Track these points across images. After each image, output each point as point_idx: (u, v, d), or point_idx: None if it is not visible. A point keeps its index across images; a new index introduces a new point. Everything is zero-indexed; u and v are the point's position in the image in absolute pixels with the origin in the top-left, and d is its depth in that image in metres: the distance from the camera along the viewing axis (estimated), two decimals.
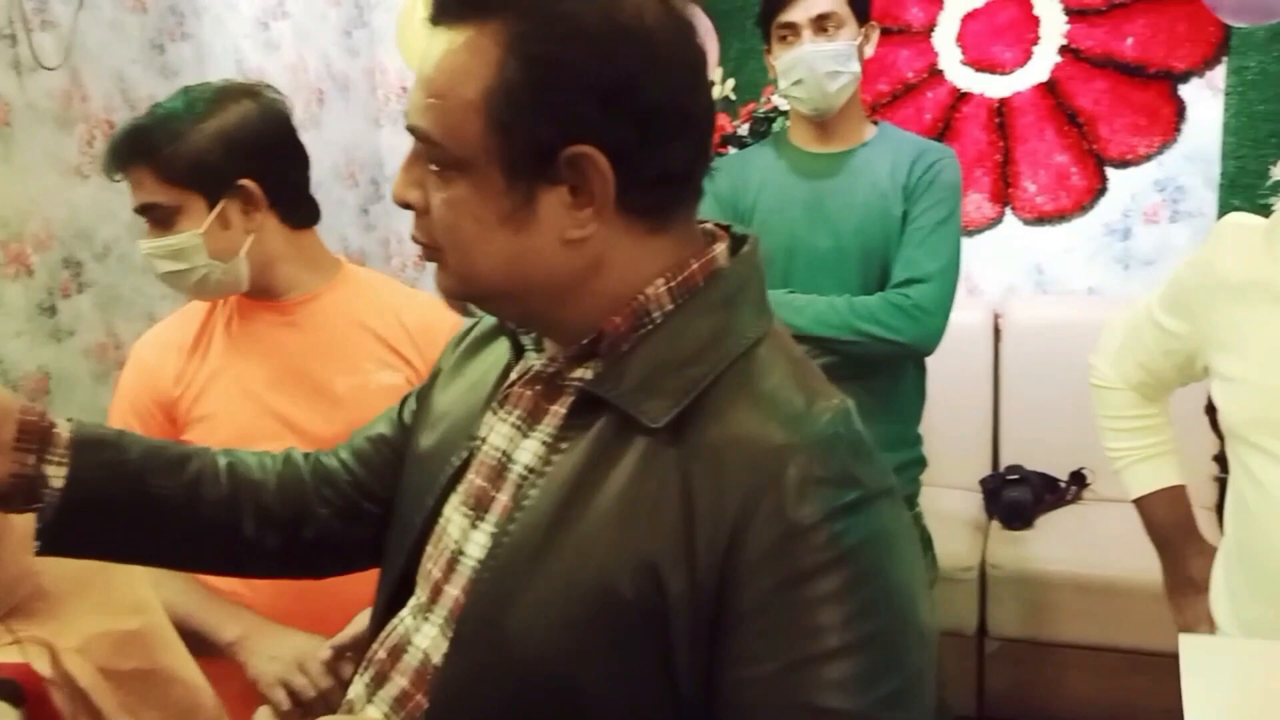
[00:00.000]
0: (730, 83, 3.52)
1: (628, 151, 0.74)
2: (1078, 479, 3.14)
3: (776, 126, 3.24)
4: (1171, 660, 1.70)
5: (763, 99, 3.45)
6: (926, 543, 2.14)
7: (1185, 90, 3.15)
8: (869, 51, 2.03)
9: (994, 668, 2.91)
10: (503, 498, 0.84)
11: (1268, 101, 3.03)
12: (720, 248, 0.84)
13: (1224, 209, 3.10)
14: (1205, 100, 3.12)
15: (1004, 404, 3.24)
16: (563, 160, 0.74)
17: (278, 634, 1.36)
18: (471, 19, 0.75)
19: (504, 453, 0.86)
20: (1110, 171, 3.24)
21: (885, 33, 3.36)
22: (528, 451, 0.84)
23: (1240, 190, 3.08)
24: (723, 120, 3.52)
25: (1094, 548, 2.82)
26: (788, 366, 0.80)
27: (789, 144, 2.10)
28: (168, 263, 1.39)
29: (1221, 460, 2.98)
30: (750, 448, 0.74)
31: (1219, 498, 2.96)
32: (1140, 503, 1.62)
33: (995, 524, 3.05)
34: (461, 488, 0.89)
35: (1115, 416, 1.63)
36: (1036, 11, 3.26)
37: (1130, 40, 3.17)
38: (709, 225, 0.88)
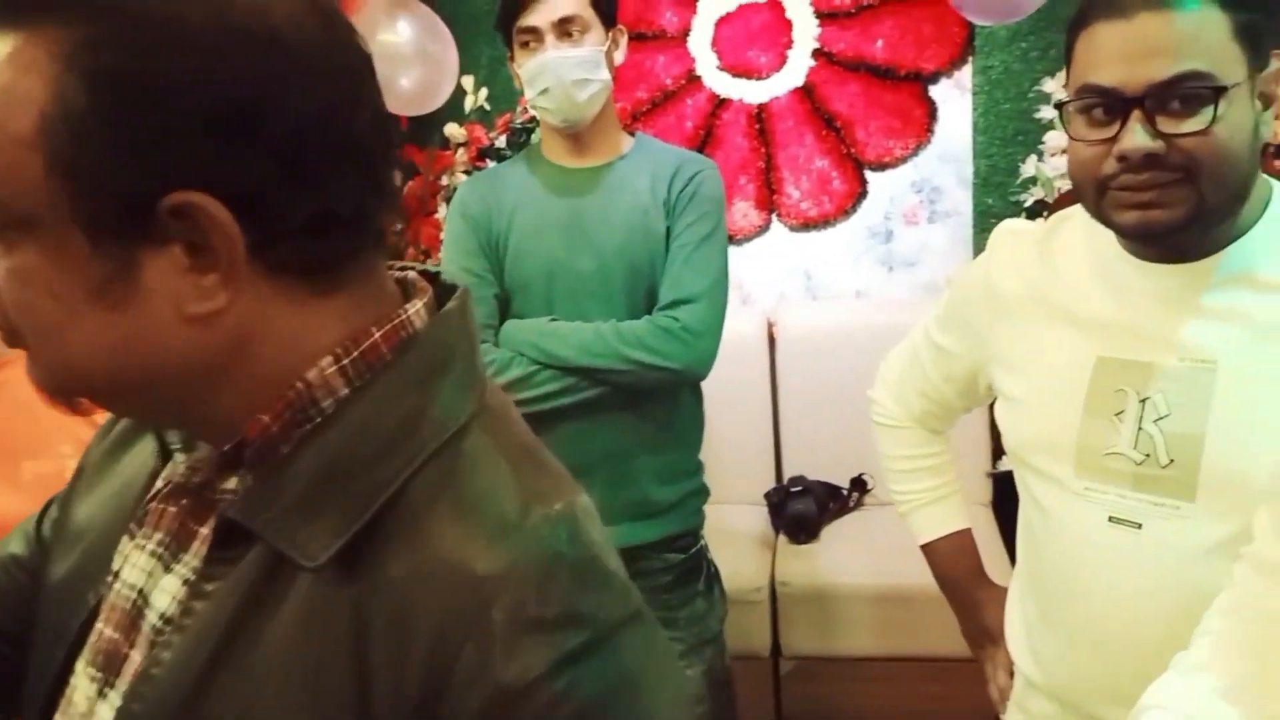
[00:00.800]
0: (484, 92, 3.33)
1: (260, 194, 0.55)
2: (859, 485, 3.12)
3: (536, 137, 3.08)
4: (967, 665, 1.65)
5: (519, 109, 3.28)
6: (713, 579, 2.01)
7: (935, 91, 3.18)
8: (619, 58, 1.89)
9: (790, 688, 2.83)
10: (136, 656, 0.63)
11: (1012, 100, 3.08)
12: (416, 306, 0.65)
13: (978, 208, 3.15)
14: (955, 100, 3.16)
15: (783, 413, 3.19)
16: (164, 212, 0.54)
17: None
18: (13, 22, 0.53)
19: (140, 592, 0.65)
20: (869, 174, 3.24)
21: (640, 38, 3.26)
22: (166, 593, 0.63)
23: (993, 188, 3.13)
24: (478, 132, 3.34)
25: (880, 556, 2.79)
26: (503, 457, 0.62)
27: (542, 159, 1.93)
28: None
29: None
30: (444, 581, 0.56)
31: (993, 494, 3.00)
32: (928, 549, 1.55)
33: (783, 538, 2.98)
34: (91, 639, 0.67)
35: (899, 456, 1.54)
36: (788, 15, 3.23)
37: (880, 42, 3.17)
38: (409, 275, 0.69)
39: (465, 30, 3.10)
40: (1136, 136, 1.04)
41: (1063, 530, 1.22)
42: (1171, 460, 1.11)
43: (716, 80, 3.28)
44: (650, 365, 1.79)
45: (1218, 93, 1.02)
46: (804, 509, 2.98)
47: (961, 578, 1.53)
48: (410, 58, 2.66)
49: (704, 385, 1.96)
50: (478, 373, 0.66)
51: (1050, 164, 3.03)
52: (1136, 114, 1.04)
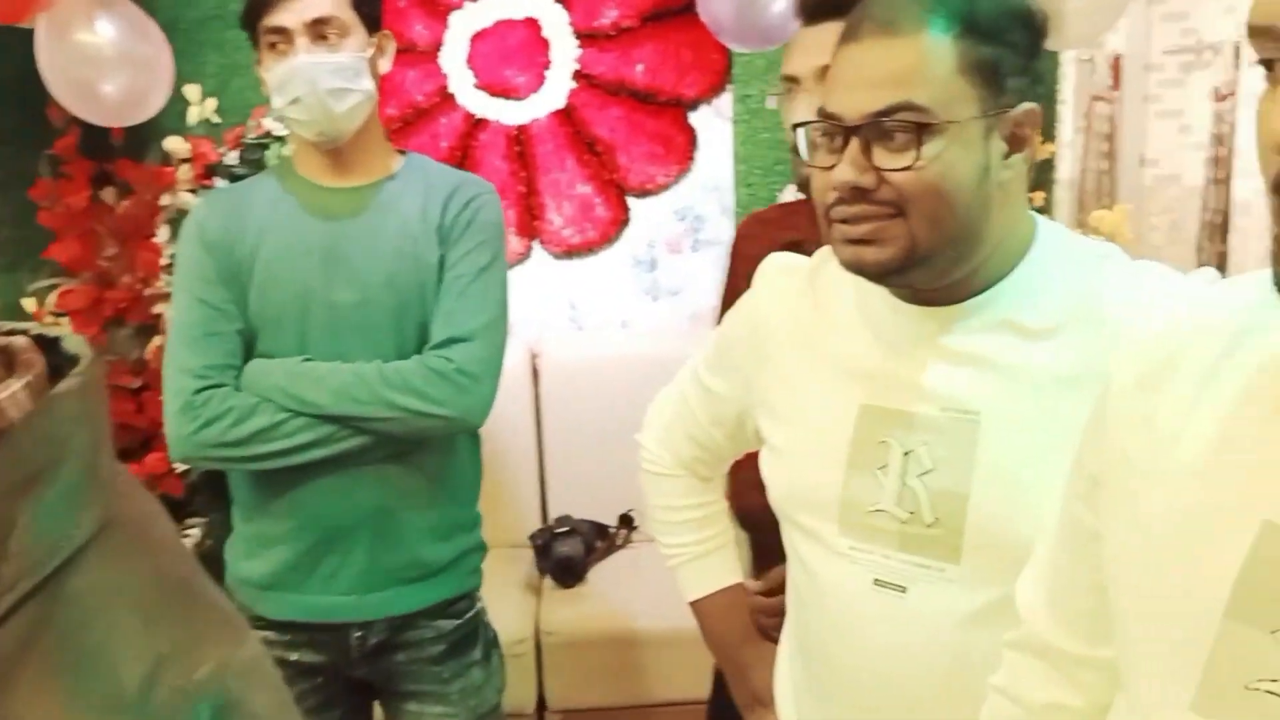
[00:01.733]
0: (211, 103, 3.00)
1: None
2: (627, 522, 3.02)
3: (271, 155, 2.79)
4: None
5: (252, 122, 2.98)
6: (491, 646, 1.83)
7: (696, 118, 3.14)
8: (385, 66, 1.68)
9: None
10: None
11: (771, 129, 3.08)
12: (11, 389, 0.47)
13: None
14: (716, 128, 3.13)
15: (548, 450, 3.05)
16: None
17: None
18: None
19: None
20: (632, 201, 3.16)
21: None
22: None
23: None
24: (205, 148, 3.00)
25: (651, 596, 2.68)
26: (130, 599, 0.46)
27: (296, 176, 1.69)
28: None
29: None
30: None
31: None
32: (697, 607, 1.43)
33: (548, 582, 2.83)
34: None
35: (669, 507, 1.42)
36: (546, 34, 3.10)
37: (641, 67, 3.10)
38: (15, 341, 0.50)
39: (189, 36, 2.79)
40: (844, 168, 0.99)
41: (828, 593, 1.14)
42: (936, 519, 1.05)
43: (472, 99, 3.11)
44: (419, 412, 1.59)
45: (924, 128, 0.96)
46: (570, 551, 2.86)
47: (730, 638, 1.43)
48: (114, 61, 2.32)
49: None
50: (102, 478, 0.49)
51: None
52: (854, 143, 0.98)
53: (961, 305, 1.06)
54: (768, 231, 1.70)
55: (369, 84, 1.63)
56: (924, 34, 0.97)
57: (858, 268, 1.03)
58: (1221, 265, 3.68)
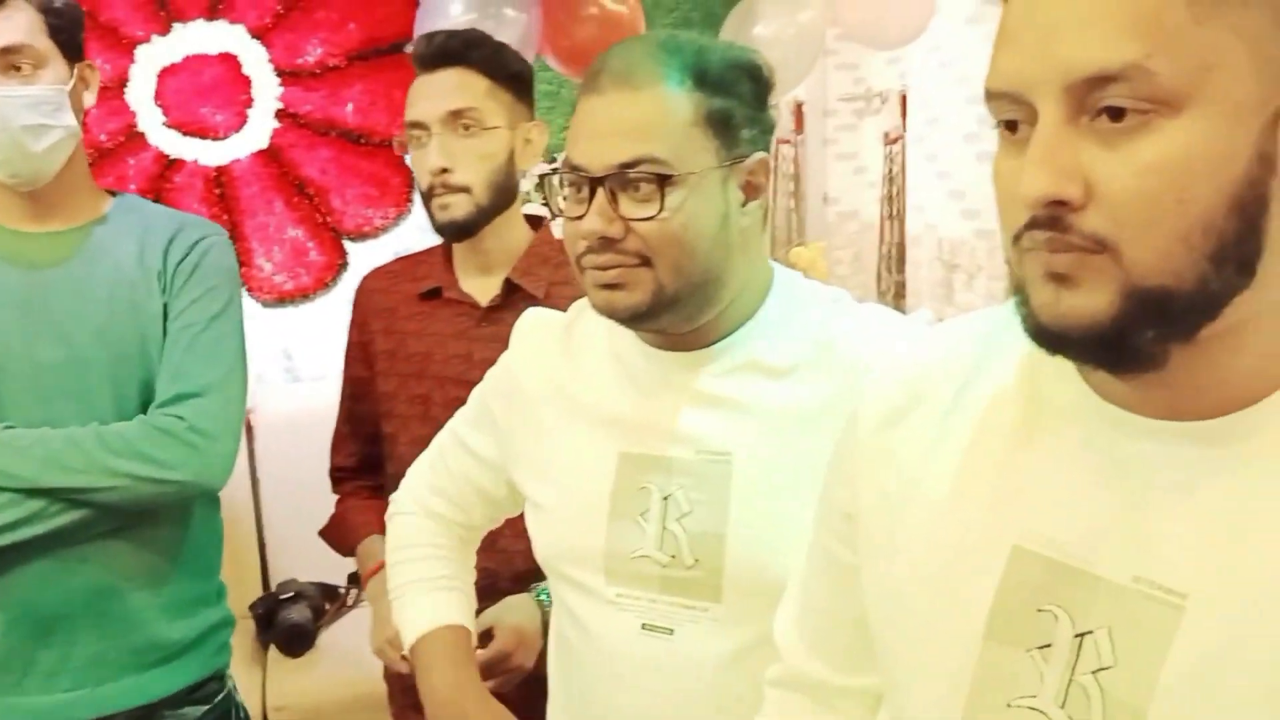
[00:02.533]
0: None
1: None
2: (356, 580, 2.87)
3: None
4: None
5: None
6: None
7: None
8: (89, 100, 1.52)
9: None
10: None
11: None
12: None
13: None
14: None
15: (266, 512, 2.86)
16: None
17: None
18: None
19: None
20: (350, 245, 3.04)
21: None
22: None
23: None
24: None
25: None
26: None
27: None
28: None
29: None
30: None
31: None
32: (417, 649, 1.27)
33: (274, 653, 2.65)
34: None
35: (406, 545, 1.34)
36: (246, 71, 2.94)
37: (350, 107, 3.00)
38: None
39: None
40: (592, 218, 1.02)
41: (598, 642, 1.13)
42: (696, 560, 1.07)
43: (164, 138, 2.90)
44: (147, 478, 1.43)
45: (665, 180, 1.00)
46: (298, 617, 2.69)
47: (453, 689, 1.25)
48: None
49: None
50: None
51: None
52: (600, 194, 1.01)
53: (709, 349, 1.09)
54: (398, 284, 1.71)
55: (71, 119, 1.47)
56: (660, 87, 1.00)
57: (610, 312, 1.05)
58: (900, 293, 4.01)
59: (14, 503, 1.39)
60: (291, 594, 2.73)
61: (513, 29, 2.36)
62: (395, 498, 1.40)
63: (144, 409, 1.49)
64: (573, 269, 1.08)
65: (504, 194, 1.60)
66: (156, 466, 1.44)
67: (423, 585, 1.31)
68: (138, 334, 1.49)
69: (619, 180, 1.00)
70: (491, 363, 1.48)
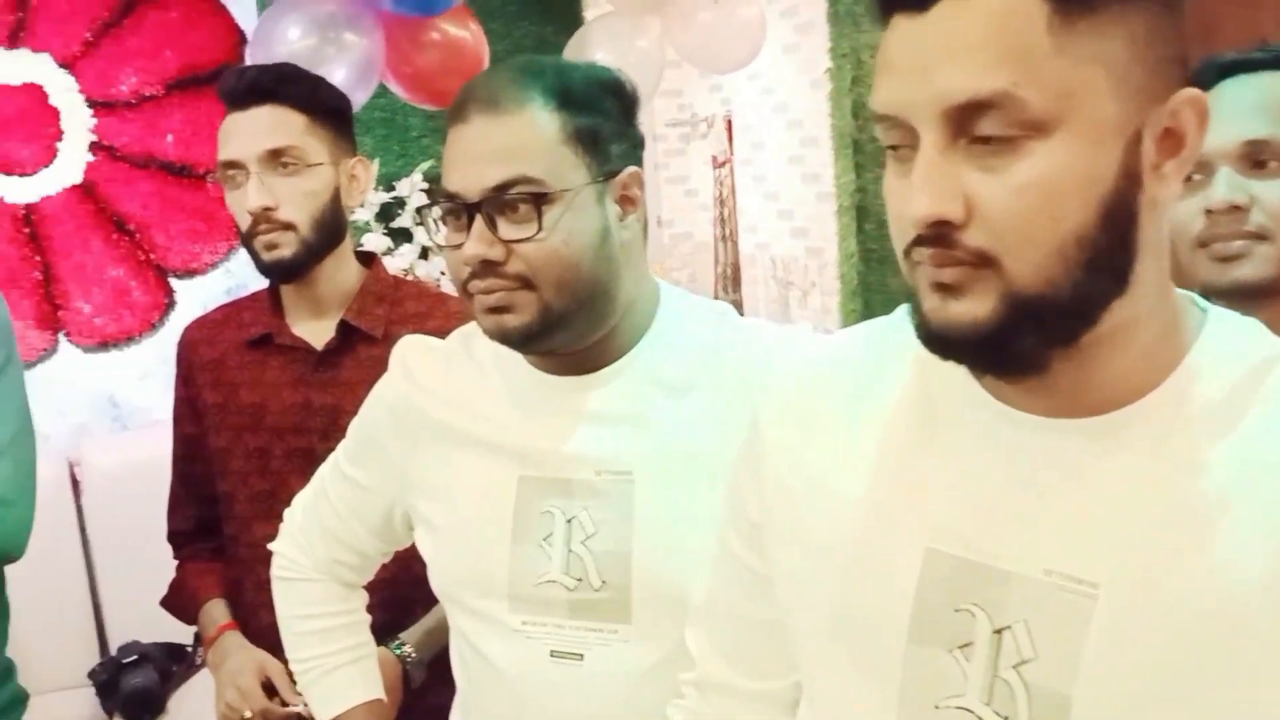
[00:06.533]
0: None
1: None
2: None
3: None
4: None
5: None
6: None
7: None
8: None
9: None
10: None
11: None
12: None
13: None
14: None
15: (100, 571, 2.67)
16: None
17: None
18: None
19: None
20: (176, 283, 2.88)
21: None
22: None
23: None
24: None
25: None
26: None
27: None
28: None
29: None
30: None
31: None
32: None
33: None
34: None
35: (303, 616, 1.31)
36: (54, 102, 2.76)
37: (170, 138, 2.86)
38: None
39: None
40: (472, 243, 1.02)
41: (504, 671, 1.12)
42: (604, 582, 1.07)
43: None
44: None
45: (541, 198, 1.01)
46: (144, 681, 2.51)
47: None
48: None
49: None
50: None
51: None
52: (478, 219, 1.02)
53: (605, 370, 1.10)
54: (222, 333, 1.65)
55: None
56: (526, 109, 1.02)
57: (501, 335, 1.05)
58: (739, 312, 4.11)
59: None
60: (134, 657, 2.55)
61: (354, 54, 2.30)
62: (279, 551, 1.33)
63: None
64: (461, 298, 1.07)
65: (332, 233, 1.54)
66: None
67: (330, 662, 1.30)
68: None
69: (495, 204, 1.01)
70: (332, 409, 1.46)
